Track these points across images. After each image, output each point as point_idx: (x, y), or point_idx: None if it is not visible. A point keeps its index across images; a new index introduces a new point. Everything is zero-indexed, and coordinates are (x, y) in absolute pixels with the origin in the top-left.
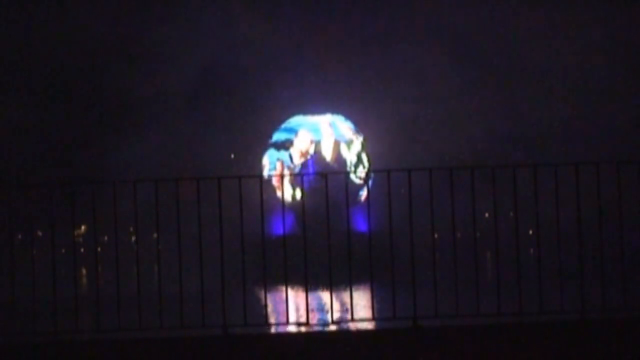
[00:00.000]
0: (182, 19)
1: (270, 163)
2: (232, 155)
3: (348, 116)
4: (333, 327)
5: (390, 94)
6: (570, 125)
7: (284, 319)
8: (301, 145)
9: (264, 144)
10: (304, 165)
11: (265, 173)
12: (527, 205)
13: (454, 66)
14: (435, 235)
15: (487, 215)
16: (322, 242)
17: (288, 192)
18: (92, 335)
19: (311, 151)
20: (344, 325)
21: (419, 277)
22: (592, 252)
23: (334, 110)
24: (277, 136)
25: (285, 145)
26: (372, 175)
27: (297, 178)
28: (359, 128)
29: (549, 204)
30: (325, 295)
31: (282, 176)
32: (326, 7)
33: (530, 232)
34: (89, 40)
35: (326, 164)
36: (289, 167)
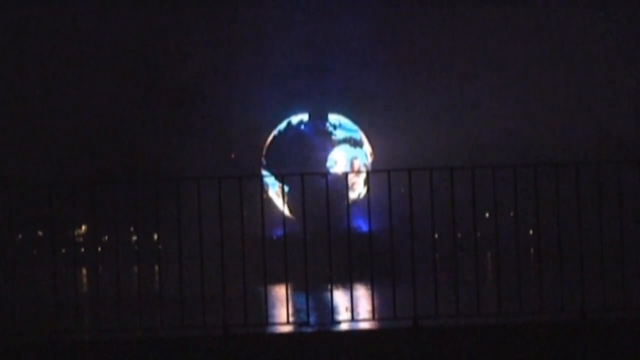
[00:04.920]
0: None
1: (347, 159)
2: (232, 155)
3: (350, 116)
4: (333, 327)
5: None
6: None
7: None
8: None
9: (330, 141)
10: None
11: (341, 170)
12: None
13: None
14: (436, 236)
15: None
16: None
17: (358, 191)
18: (92, 335)
19: (370, 150)
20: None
21: (419, 277)
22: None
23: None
24: (343, 133)
25: (359, 143)
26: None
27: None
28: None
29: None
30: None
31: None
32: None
33: (531, 232)
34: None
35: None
36: (365, 165)
